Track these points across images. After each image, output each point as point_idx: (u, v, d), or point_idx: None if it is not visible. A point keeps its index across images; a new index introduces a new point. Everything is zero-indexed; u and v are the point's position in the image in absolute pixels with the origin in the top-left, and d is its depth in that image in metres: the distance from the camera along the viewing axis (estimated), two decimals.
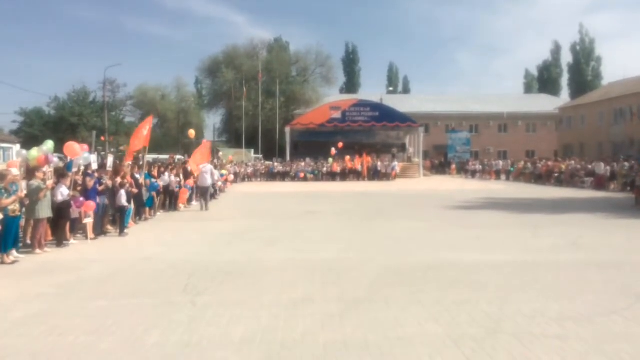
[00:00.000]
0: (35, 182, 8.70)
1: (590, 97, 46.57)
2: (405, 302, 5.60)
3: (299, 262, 7.80)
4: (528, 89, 73.34)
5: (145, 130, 14.23)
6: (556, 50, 70.83)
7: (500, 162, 37.84)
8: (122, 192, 10.86)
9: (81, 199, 9.61)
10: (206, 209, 15.71)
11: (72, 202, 9.44)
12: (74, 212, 9.61)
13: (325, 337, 4.53)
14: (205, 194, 16.06)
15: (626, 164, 23.61)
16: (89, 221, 9.94)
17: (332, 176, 34.09)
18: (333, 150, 34.31)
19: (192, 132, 27.08)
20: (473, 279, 6.61)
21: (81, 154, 10.57)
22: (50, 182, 9.17)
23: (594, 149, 39.56)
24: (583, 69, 65.30)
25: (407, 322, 4.91)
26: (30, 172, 9.12)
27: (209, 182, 16.21)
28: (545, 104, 54.84)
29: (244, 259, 8.10)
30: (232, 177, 28.08)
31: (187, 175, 17.30)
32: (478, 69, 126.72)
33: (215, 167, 20.99)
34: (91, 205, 9.77)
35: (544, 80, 71.14)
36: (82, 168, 11.04)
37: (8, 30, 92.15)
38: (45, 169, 9.48)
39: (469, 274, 6.88)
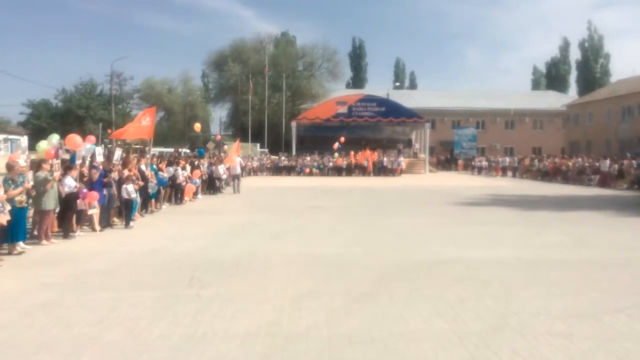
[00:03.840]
0: (42, 174, 8.75)
1: (598, 94, 46.23)
2: (409, 297, 5.60)
3: (304, 257, 7.81)
4: (536, 85, 72.86)
5: (145, 121, 14.06)
6: (564, 47, 70.46)
7: (507, 159, 37.62)
8: (128, 185, 10.89)
9: (85, 190, 9.65)
10: (238, 192, 19.99)
11: (79, 194, 9.49)
12: (81, 204, 9.65)
13: (329, 331, 4.54)
14: (236, 179, 20.57)
15: (634, 161, 23.45)
16: (94, 211, 9.98)
17: (337, 171, 34.07)
18: (335, 145, 34.28)
19: (198, 126, 27.25)
20: (478, 276, 6.59)
21: (82, 146, 10.52)
22: (57, 174, 9.21)
23: (601, 147, 39.29)
24: (591, 66, 64.89)
25: (412, 318, 4.90)
26: (37, 163, 9.16)
27: (239, 170, 21.40)
28: (552, 100, 54.45)
29: (249, 252, 8.11)
30: None
31: (194, 169, 17.40)
32: (485, 65, 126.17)
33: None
34: (94, 195, 9.79)
35: (552, 77, 70.78)
36: (88, 160, 11.09)
37: (16, 23, 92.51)
38: (52, 161, 9.52)
39: (473, 270, 6.87)
